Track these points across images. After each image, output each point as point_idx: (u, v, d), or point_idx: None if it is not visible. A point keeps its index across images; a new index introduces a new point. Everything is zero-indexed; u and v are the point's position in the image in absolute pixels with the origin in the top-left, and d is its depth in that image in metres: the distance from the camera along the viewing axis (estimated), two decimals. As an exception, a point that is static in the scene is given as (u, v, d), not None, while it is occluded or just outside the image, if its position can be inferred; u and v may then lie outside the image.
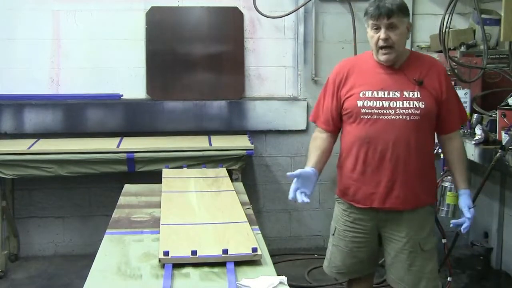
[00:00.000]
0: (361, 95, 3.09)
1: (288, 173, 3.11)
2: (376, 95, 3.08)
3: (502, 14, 3.88)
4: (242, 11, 5.39)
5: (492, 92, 4.35)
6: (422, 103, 3.05)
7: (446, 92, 3.14)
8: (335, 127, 3.27)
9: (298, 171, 3.10)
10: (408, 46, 5.31)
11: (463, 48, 4.53)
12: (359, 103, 3.08)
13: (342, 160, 3.25)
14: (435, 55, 4.81)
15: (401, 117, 3.05)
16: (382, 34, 3.02)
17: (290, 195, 3.07)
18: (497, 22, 4.33)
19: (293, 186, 3.09)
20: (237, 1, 5.38)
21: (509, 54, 4.28)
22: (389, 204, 3.13)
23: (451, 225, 3.23)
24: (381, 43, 3.04)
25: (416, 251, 3.17)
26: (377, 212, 3.17)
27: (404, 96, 3.06)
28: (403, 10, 3.04)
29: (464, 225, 3.17)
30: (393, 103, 3.06)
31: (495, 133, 3.76)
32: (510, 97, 3.79)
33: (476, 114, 4.07)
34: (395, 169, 3.09)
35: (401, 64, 3.13)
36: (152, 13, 5.31)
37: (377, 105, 3.06)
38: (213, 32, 5.41)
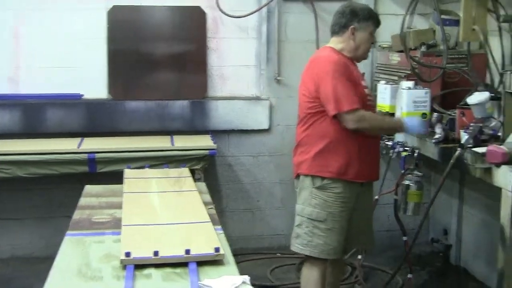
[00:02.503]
0: (363, 84, 3.62)
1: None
2: (365, 85, 3.67)
3: (461, 15, 3.95)
4: (205, 11, 5.37)
5: (451, 91, 4.41)
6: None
7: None
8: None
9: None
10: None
11: (423, 48, 4.58)
12: (366, 91, 3.62)
13: (341, 142, 3.53)
14: (396, 55, 4.87)
15: (373, 103, 3.77)
16: (373, 39, 3.77)
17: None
18: (456, 22, 4.40)
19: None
20: (200, 1, 5.35)
21: (468, 54, 4.35)
22: (376, 176, 3.78)
23: None
24: (371, 46, 3.72)
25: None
26: (362, 185, 3.65)
27: (368, 87, 3.71)
28: None
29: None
30: (368, 91, 3.69)
31: (455, 132, 3.82)
32: (468, 96, 3.85)
33: (436, 113, 4.12)
34: (379, 147, 3.77)
35: None
36: (114, 12, 5.26)
37: (368, 93, 3.67)
38: (175, 31, 5.38)
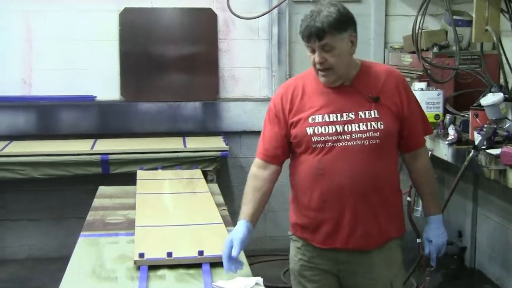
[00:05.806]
0: (310, 120, 2.65)
1: (233, 255, 2.63)
2: (327, 119, 2.64)
3: (473, 15, 3.92)
4: (216, 12, 5.38)
5: (464, 92, 4.40)
6: (380, 123, 2.63)
7: (407, 105, 2.71)
8: (278, 158, 2.83)
9: (237, 244, 2.67)
10: (381, 48, 5.42)
11: (435, 49, 4.57)
12: (309, 130, 2.64)
13: (295, 194, 2.83)
14: (408, 56, 4.85)
15: (358, 142, 2.62)
16: (316, 57, 2.62)
17: (226, 267, 2.61)
18: (469, 23, 4.38)
19: (226, 252, 2.64)
20: (210, 2, 5.37)
21: (481, 55, 4.33)
22: (353, 245, 2.69)
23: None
24: (317, 66, 2.64)
25: None
26: (338, 252, 2.72)
27: (360, 117, 2.63)
28: (338, 27, 2.57)
29: (431, 261, 3.07)
30: (348, 126, 2.62)
31: (468, 133, 3.80)
32: (482, 97, 3.83)
33: (449, 115, 4.11)
34: (357, 203, 2.64)
35: (351, 80, 2.68)
36: (125, 14, 5.28)
37: (330, 131, 2.63)
38: (186, 33, 5.40)
